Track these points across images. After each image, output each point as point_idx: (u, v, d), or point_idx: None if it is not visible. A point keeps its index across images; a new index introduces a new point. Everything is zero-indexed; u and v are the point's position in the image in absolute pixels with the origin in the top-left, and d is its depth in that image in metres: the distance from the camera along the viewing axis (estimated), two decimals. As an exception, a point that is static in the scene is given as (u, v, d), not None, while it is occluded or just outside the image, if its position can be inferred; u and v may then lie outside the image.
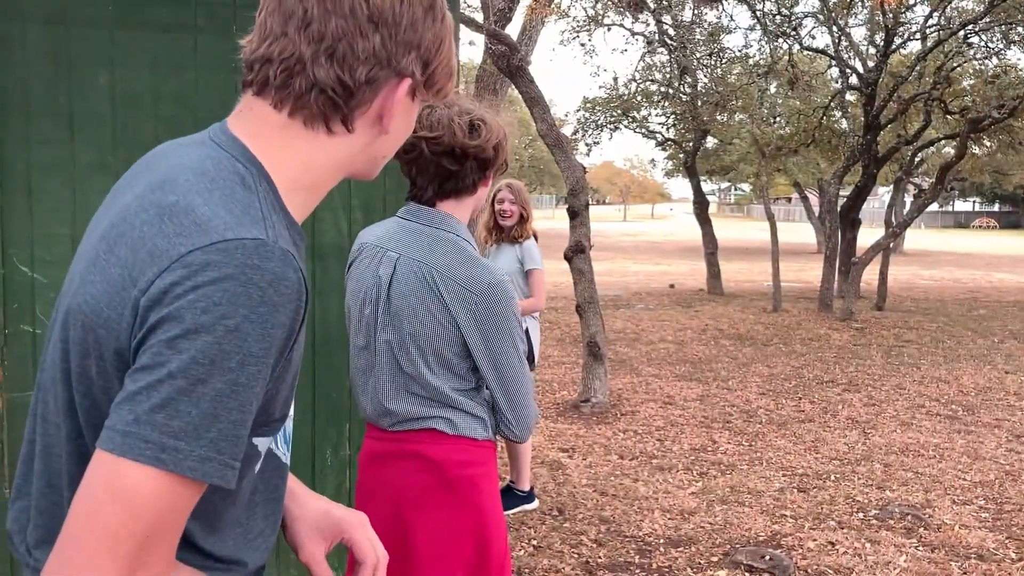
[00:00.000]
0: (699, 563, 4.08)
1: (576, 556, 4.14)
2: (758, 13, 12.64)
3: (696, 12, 14.88)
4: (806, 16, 15.31)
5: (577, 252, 7.21)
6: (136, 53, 2.59)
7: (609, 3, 15.43)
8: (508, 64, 7.34)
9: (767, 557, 4.08)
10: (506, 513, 4.74)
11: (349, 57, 0.96)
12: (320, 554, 1.19)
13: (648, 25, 15.19)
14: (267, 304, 0.86)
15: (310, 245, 2.83)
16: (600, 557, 4.14)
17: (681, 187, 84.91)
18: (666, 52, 13.85)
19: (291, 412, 1.07)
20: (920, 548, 4.30)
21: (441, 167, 1.99)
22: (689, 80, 16.11)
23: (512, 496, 4.51)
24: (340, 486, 2.92)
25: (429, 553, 1.99)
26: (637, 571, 4.00)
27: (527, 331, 4.87)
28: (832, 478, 5.42)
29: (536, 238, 4.93)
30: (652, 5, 11.13)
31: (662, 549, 4.24)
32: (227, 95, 2.67)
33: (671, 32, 15.41)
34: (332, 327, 2.84)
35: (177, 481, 0.83)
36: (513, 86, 8.62)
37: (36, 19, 2.50)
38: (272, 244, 0.89)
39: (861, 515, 4.76)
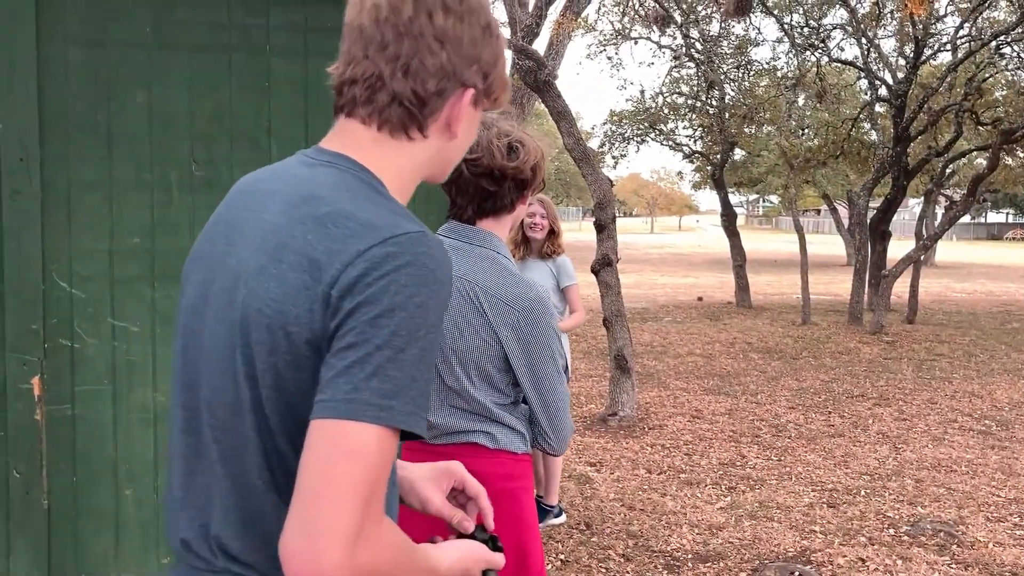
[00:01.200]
0: (728, 579, 4.06)
1: (604, 571, 4.14)
2: (785, 26, 12.61)
3: (723, 25, 14.88)
4: (835, 28, 15.27)
5: (604, 265, 7.22)
6: (172, 73, 2.65)
7: (636, 17, 15.48)
8: (535, 79, 7.39)
9: (796, 573, 4.05)
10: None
11: (421, 71, 1.12)
12: (444, 501, 1.33)
13: (675, 39, 15.21)
14: (439, 283, 1.04)
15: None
16: (628, 572, 4.13)
17: (708, 199, 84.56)
18: (693, 65, 13.83)
19: None
20: (953, 565, 4.25)
21: (480, 187, 2.03)
22: (717, 93, 16.09)
23: (540, 510, 4.52)
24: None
25: None
26: (665, 586, 3.99)
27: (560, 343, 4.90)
28: (862, 493, 5.37)
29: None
30: (679, 20, 11.15)
31: (690, 564, 4.23)
32: (260, 114, 2.73)
33: (698, 45, 15.41)
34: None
35: (390, 433, 0.99)
36: (539, 100, 8.67)
37: (78, 41, 2.57)
38: (428, 234, 1.06)
39: (892, 531, 4.71)
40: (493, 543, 1.29)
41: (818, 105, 15.60)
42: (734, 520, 4.86)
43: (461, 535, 1.29)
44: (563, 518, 4.79)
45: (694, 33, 14.80)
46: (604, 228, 7.29)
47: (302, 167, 1.15)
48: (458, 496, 1.38)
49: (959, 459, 6.19)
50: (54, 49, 2.54)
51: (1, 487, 2.58)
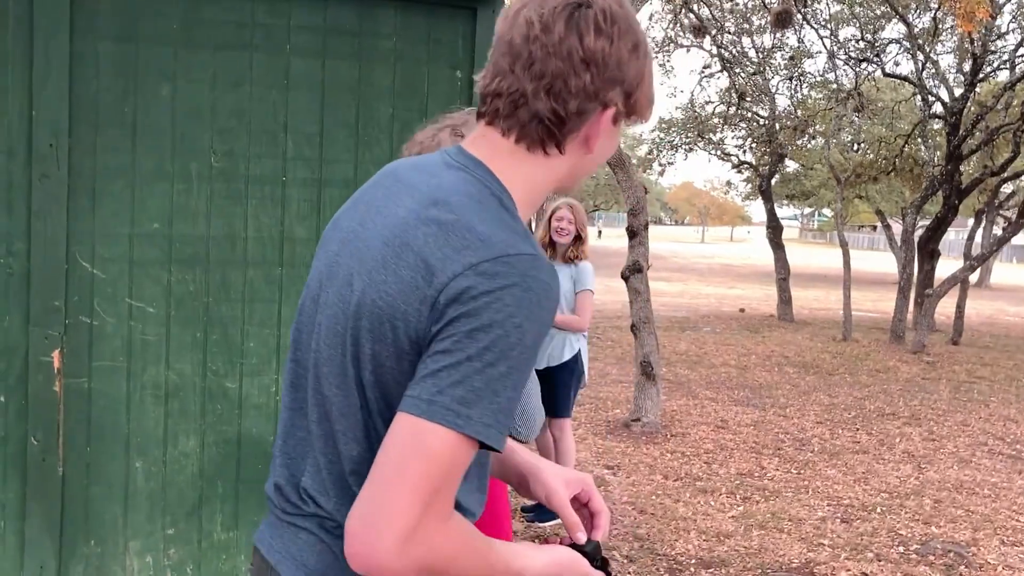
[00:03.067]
0: (727, 585, 4.10)
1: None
2: (827, 40, 12.48)
3: (776, 36, 14.78)
4: (890, 43, 15.07)
5: (634, 271, 7.26)
6: (197, 69, 2.79)
7: (683, 26, 15.45)
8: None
9: (796, 584, 4.08)
10: (544, 524, 4.82)
11: (564, 92, 1.14)
12: (568, 500, 1.34)
13: (723, 48, 15.14)
14: (541, 307, 1.08)
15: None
16: (630, 573, 4.19)
17: (761, 211, 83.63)
18: (730, 74, 13.75)
19: None
20: (959, 586, 4.24)
21: None
22: (760, 102, 15.97)
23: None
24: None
25: None
26: (664, 589, 4.04)
27: (579, 351, 4.96)
28: (878, 510, 5.35)
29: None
30: (713, 31, 11.13)
31: (692, 569, 4.27)
32: (277, 110, 2.86)
33: (751, 55, 15.32)
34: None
35: (464, 441, 1.04)
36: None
37: (109, 36, 2.72)
38: (541, 258, 1.10)
39: (902, 549, 4.69)
40: (602, 566, 1.28)
41: (870, 119, 15.40)
42: (743, 529, 4.88)
43: (572, 545, 1.29)
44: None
45: (744, 42, 14.73)
46: (636, 234, 7.33)
47: (442, 167, 1.19)
48: (580, 510, 1.37)
49: (983, 482, 6.11)
50: (86, 43, 2.70)
51: (19, 454, 2.74)
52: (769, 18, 8.29)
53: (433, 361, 1.05)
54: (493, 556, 1.13)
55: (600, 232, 55.06)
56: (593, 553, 1.27)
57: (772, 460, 6.44)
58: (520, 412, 2.13)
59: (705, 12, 13.69)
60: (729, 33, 12.63)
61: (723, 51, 12.28)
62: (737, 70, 12.21)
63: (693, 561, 4.37)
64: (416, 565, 1.03)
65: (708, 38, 11.37)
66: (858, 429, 7.62)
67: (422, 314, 1.07)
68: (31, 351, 2.72)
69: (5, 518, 2.73)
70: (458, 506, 1.16)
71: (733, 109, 16.32)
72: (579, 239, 5.01)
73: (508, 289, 1.05)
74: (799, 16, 8.71)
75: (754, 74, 14.77)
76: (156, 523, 2.88)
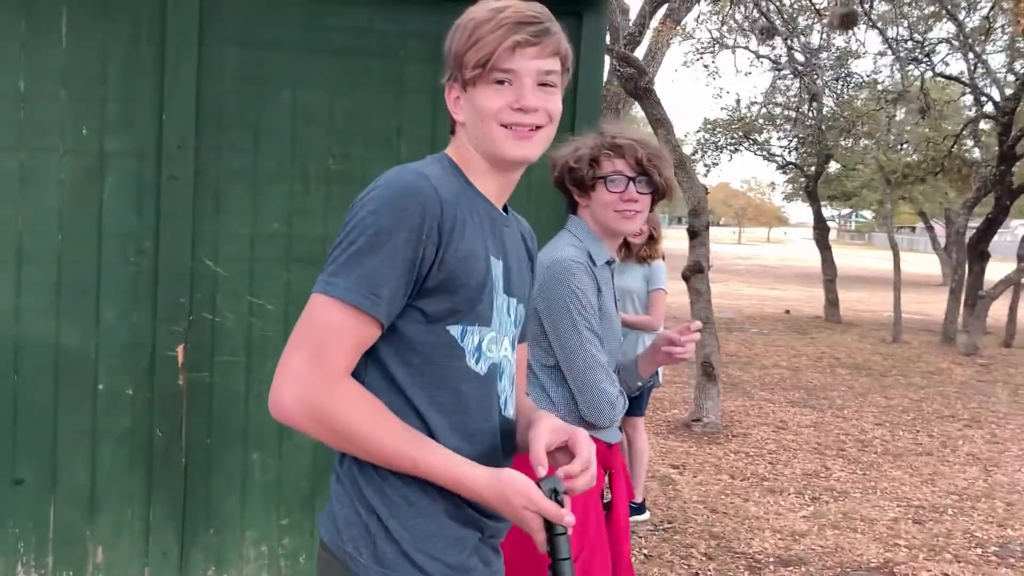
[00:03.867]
0: (810, 584, 4.13)
1: (686, 567, 4.25)
2: (890, 40, 12.39)
3: (824, 36, 14.69)
4: (940, 42, 14.91)
5: (695, 272, 7.29)
6: (316, 74, 2.88)
7: (734, 25, 15.39)
8: (635, 86, 7.50)
9: (880, 583, 4.09)
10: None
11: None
12: (543, 441, 1.38)
13: (774, 48, 15.07)
14: (399, 197, 1.31)
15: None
16: (710, 570, 4.23)
17: (799, 211, 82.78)
18: (793, 76, 13.69)
19: (490, 330, 1.43)
20: (1041, 588, 4.23)
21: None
22: (815, 104, 15.87)
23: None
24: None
25: None
26: (747, 586, 4.08)
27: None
28: (949, 512, 5.34)
29: (663, 259, 5.05)
30: (784, 32, 11.08)
31: (772, 567, 4.30)
32: (391, 115, 2.94)
33: (799, 56, 15.24)
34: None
35: (334, 302, 1.29)
36: (633, 106, 8.76)
37: (234, 43, 2.82)
38: (409, 168, 1.36)
39: (979, 550, 4.69)
40: (554, 495, 1.31)
41: (920, 121, 15.25)
42: (816, 528, 4.90)
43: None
44: (647, 515, 4.90)
45: (795, 44, 14.65)
46: (697, 235, 7.36)
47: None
48: (561, 458, 1.42)
49: (1053, 486, 6.08)
50: (213, 50, 2.80)
51: (145, 444, 2.85)
52: (831, 19, 8.27)
53: (329, 251, 1.35)
54: (392, 439, 1.31)
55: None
56: (550, 488, 1.31)
57: (836, 461, 6.43)
58: (589, 399, 2.15)
59: (768, 10, 13.65)
60: (799, 35, 12.53)
61: (794, 52, 12.23)
62: (813, 70, 12.15)
63: (771, 559, 4.41)
64: (309, 414, 1.28)
65: (778, 39, 11.32)
66: (918, 431, 7.58)
67: None
68: (157, 346, 2.82)
69: (132, 506, 2.84)
70: (418, 415, 1.36)
71: (780, 110, 16.22)
72: (652, 239, 5.04)
73: (373, 191, 1.34)
74: (863, 16, 8.68)
75: (795, 75, 14.69)
76: (271, 513, 2.97)
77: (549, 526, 1.30)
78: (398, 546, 1.35)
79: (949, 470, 6.34)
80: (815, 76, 12.31)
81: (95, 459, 2.79)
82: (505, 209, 1.53)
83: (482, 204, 1.44)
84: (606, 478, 2.38)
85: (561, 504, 1.30)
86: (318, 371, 1.28)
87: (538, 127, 1.41)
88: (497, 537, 1.49)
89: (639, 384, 2.36)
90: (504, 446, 1.48)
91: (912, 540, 4.79)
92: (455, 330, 1.38)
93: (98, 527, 2.80)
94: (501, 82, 1.39)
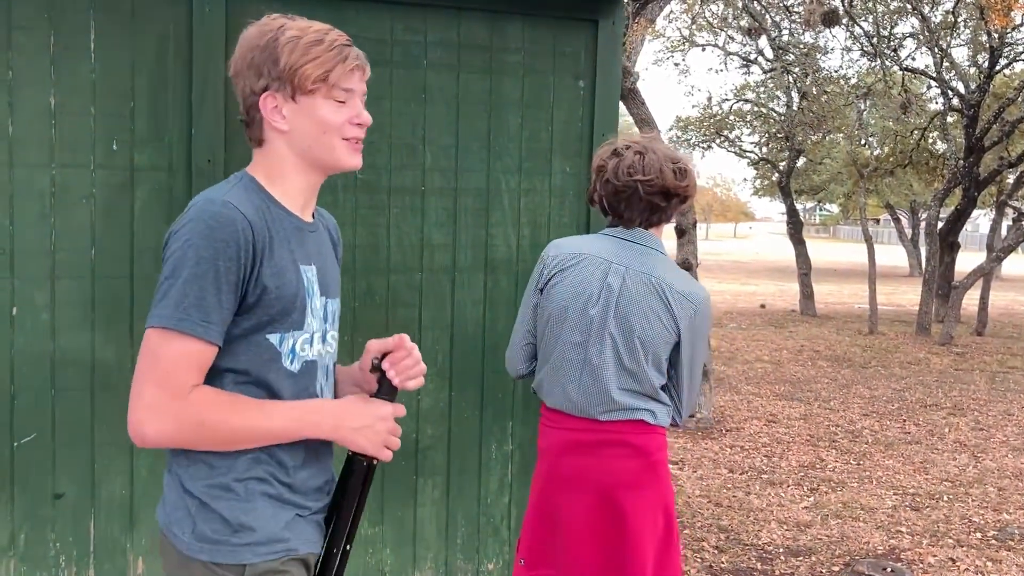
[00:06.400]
0: (820, 572, 4.22)
1: (699, 560, 4.33)
2: (857, 35, 12.61)
3: (792, 33, 14.90)
4: (906, 37, 15.18)
5: (684, 269, 7.38)
6: (341, 85, 2.91)
7: (703, 23, 15.56)
8: (621, 87, 7.58)
9: (888, 569, 4.20)
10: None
11: (241, 105, 1.61)
12: (373, 346, 1.69)
13: (745, 46, 15.26)
14: (211, 228, 1.43)
15: (483, 260, 3.11)
16: (723, 562, 4.32)
17: (764, 206, 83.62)
18: (776, 73, 13.87)
19: (303, 332, 1.58)
20: (1041, 569, 4.36)
21: (652, 203, 2.30)
22: (784, 100, 16.09)
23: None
24: (503, 478, 3.19)
25: (637, 527, 2.26)
26: (761, 577, 4.17)
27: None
28: (945, 498, 5.48)
29: None
30: (772, 32, 11.26)
31: (783, 558, 4.40)
32: (416, 124, 2.99)
33: (767, 53, 15.44)
34: (499, 336, 3.11)
35: (164, 332, 1.43)
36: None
37: (260, 55, 2.84)
38: (217, 200, 1.47)
39: (979, 535, 4.82)
40: (380, 371, 1.63)
41: (889, 115, 15.51)
42: (820, 519, 5.01)
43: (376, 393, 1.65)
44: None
45: (763, 41, 14.83)
46: (685, 233, 7.46)
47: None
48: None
49: (1040, 469, 6.24)
50: (241, 63, 2.82)
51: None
52: (809, 17, 8.42)
53: (156, 289, 1.47)
54: (239, 420, 1.48)
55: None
56: (377, 365, 1.64)
57: (830, 452, 6.56)
58: (691, 403, 2.36)
59: (722, 10, 13.84)
60: (767, 32, 12.70)
61: (779, 50, 12.39)
62: (782, 69, 12.33)
63: (781, 550, 4.50)
64: (177, 430, 1.44)
65: (764, 37, 11.48)
66: (905, 420, 7.75)
67: None
68: (191, 358, 2.84)
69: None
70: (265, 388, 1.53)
71: (764, 108, 16.41)
72: None
73: (186, 225, 1.45)
74: (844, 14, 8.84)
75: (784, 72, 14.89)
76: (307, 520, 2.99)
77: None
78: (216, 524, 1.51)
79: (939, 458, 6.49)
80: (785, 71, 12.49)
81: (133, 472, 2.80)
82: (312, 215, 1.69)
83: (286, 218, 1.58)
84: None
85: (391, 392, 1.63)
86: (171, 393, 1.43)
87: (361, 139, 1.63)
88: (319, 514, 1.64)
89: None
90: None
91: (913, 527, 4.91)
92: (274, 338, 1.54)
93: (138, 539, 2.81)
94: (341, 100, 1.57)
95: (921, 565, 4.33)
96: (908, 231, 28.87)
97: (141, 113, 2.78)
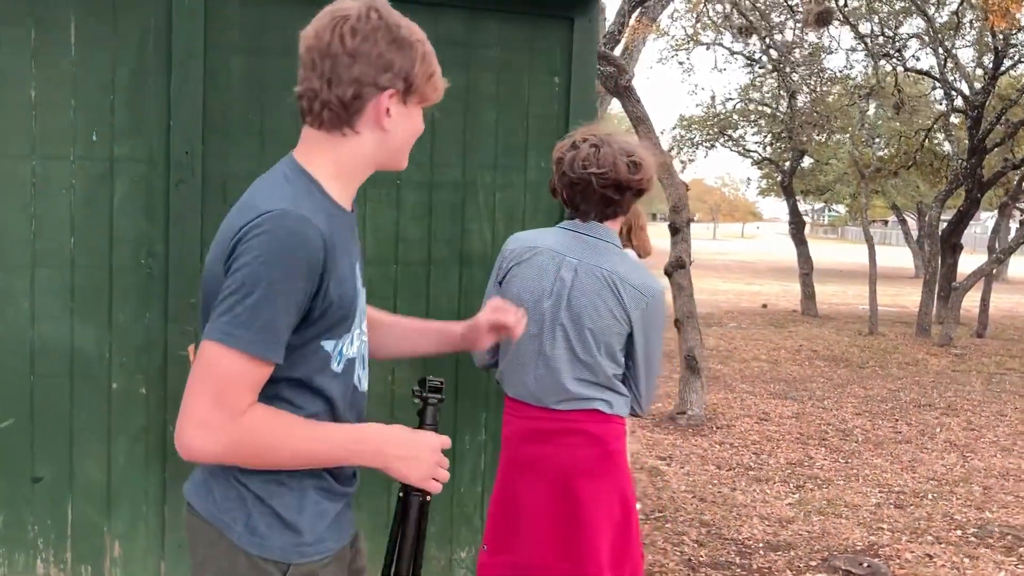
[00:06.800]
0: (798, 566, 4.26)
1: (679, 554, 4.37)
2: (866, 38, 12.61)
3: (796, 33, 14.90)
4: (911, 37, 15.17)
5: (677, 267, 7.43)
6: (318, 80, 2.97)
7: (708, 22, 15.57)
8: (616, 84, 7.62)
9: (865, 564, 4.24)
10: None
11: (339, 82, 1.48)
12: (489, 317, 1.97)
13: (748, 45, 15.27)
14: (284, 247, 1.39)
15: (459, 253, 3.16)
16: (702, 556, 4.36)
17: (772, 207, 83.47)
18: (767, 72, 13.90)
19: (356, 350, 1.60)
20: (1020, 566, 4.39)
21: (605, 196, 2.33)
22: (788, 100, 16.08)
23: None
24: (476, 467, 3.24)
25: (593, 515, 2.32)
26: (738, 570, 4.21)
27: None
28: (929, 497, 5.51)
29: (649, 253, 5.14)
30: (763, 32, 11.27)
31: (761, 552, 4.44)
32: (393, 117, 3.03)
33: (772, 52, 15.43)
34: (474, 326, 3.16)
35: (232, 352, 1.39)
36: (612, 103, 8.87)
37: (238, 51, 2.89)
38: (291, 212, 1.41)
39: (959, 532, 4.85)
40: (423, 400, 1.65)
41: (895, 116, 15.50)
42: (803, 515, 5.04)
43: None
44: (638, 506, 5.02)
45: (776, 40, 14.84)
46: (678, 231, 7.50)
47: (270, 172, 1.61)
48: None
49: (1027, 469, 6.27)
50: (219, 58, 2.87)
51: (159, 441, 2.92)
52: (807, 17, 8.44)
53: (220, 298, 1.41)
54: (288, 448, 1.46)
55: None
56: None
57: (819, 450, 6.60)
58: (650, 394, 2.40)
59: (744, 7, 13.83)
60: (778, 34, 12.71)
61: (772, 50, 12.42)
62: (786, 67, 12.35)
63: (761, 545, 4.54)
64: (217, 451, 1.41)
65: (756, 37, 11.50)
66: (897, 420, 7.77)
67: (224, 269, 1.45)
68: (169, 346, 2.90)
69: (147, 502, 2.92)
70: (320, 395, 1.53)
71: (754, 106, 16.42)
72: (630, 229, 5.14)
73: (260, 237, 1.39)
74: (839, 14, 8.85)
75: (773, 70, 14.89)
76: (282, 507, 3.05)
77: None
78: (271, 518, 1.52)
79: (928, 457, 6.52)
80: (791, 71, 12.50)
81: (111, 456, 2.86)
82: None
83: (342, 218, 1.56)
84: None
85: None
86: (226, 412, 1.40)
87: None
88: (352, 497, 1.68)
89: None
90: (361, 420, 1.68)
91: (895, 524, 4.95)
92: (328, 344, 1.53)
93: (115, 522, 2.87)
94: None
95: (898, 561, 4.36)
96: (915, 233, 28.81)
97: (121, 106, 2.83)
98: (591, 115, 3.26)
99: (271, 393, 1.49)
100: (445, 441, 1.60)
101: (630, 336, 2.36)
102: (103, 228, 2.84)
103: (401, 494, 1.63)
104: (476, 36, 3.12)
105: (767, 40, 11.67)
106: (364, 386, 1.70)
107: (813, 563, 4.31)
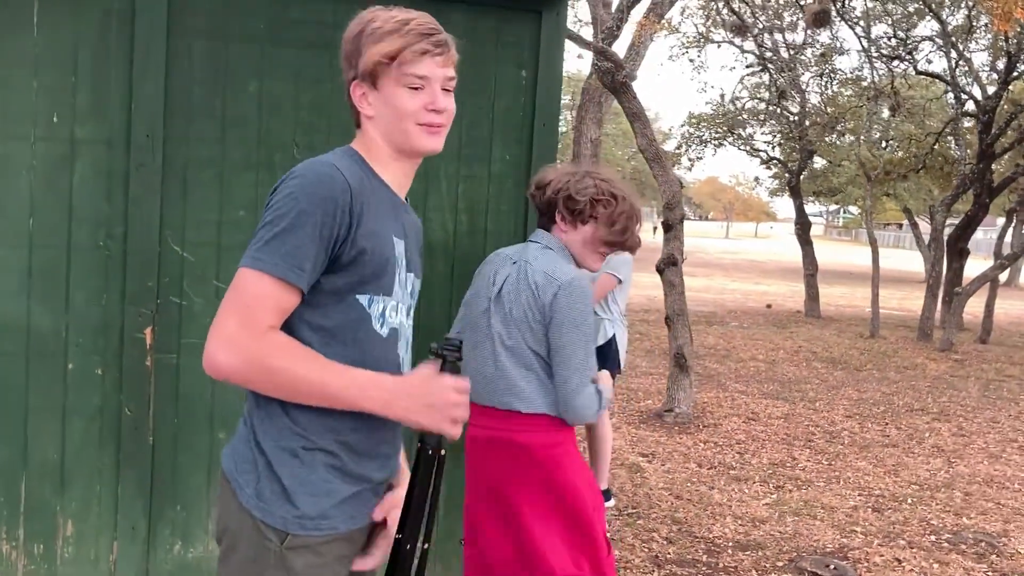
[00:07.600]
0: (764, 567, 4.25)
1: (647, 551, 4.37)
2: (864, 40, 12.52)
3: (808, 33, 14.81)
4: (923, 39, 15.05)
5: (669, 264, 7.41)
6: (281, 66, 2.98)
7: (718, 20, 15.49)
8: (612, 80, 7.60)
9: (831, 566, 4.23)
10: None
11: (345, 88, 1.72)
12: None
13: (760, 44, 15.18)
14: (314, 184, 1.55)
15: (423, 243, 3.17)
16: (669, 553, 4.36)
17: (786, 207, 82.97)
18: (771, 72, 13.83)
19: (391, 299, 1.66)
20: (990, 573, 4.37)
21: (540, 209, 2.63)
22: (797, 100, 16.00)
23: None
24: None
25: (529, 520, 2.51)
26: (703, 568, 4.20)
27: (613, 336, 5.11)
28: (909, 501, 5.48)
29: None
30: (755, 31, 11.20)
31: (730, 551, 4.43)
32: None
33: (782, 52, 15.35)
34: (435, 318, 3.16)
35: (259, 275, 1.51)
36: (614, 99, 8.83)
37: (201, 35, 2.91)
38: (320, 160, 1.59)
39: (933, 537, 4.83)
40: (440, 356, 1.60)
41: (902, 117, 15.40)
42: (777, 515, 5.03)
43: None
44: (612, 502, 5.02)
45: (778, 39, 14.76)
46: (671, 228, 7.48)
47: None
48: None
49: (1014, 477, 6.22)
50: (181, 42, 2.88)
51: (114, 423, 2.94)
52: (806, 17, 8.38)
53: (255, 232, 1.56)
54: (304, 371, 1.52)
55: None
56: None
57: (803, 451, 6.58)
58: (569, 401, 2.41)
59: (742, 10, 13.76)
60: (768, 33, 12.66)
61: (764, 49, 12.35)
62: (793, 67, 12.29)
63: (730, 544, 4.54)
64: (245, 365, 1.48)
65: (750, 37, 11.45)
66: (887, 423, 7.73)
67: None
68: (126, 328, 2.92)
69: (101, 482, 2.94)
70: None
71: (764, 105, 16.35)
72: None
73: (291, 179, 1.57)
74: (836, 15, 8.79)
75: (787, 71, 14.81)
76: (237, 491, 3.07)
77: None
78: (276, 486, 1.57)
79: (913, 461, 6.49)
80: (790, 71, 12.42)
81: (65, 436, 2.88)
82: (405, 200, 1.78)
83: (385, 191, 1.68)
84: None
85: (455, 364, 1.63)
86: (249, 330, 1.49)
87: (443, 124, 1.67)
88: (382, 484, 1.71)
89: None
90: None
91: (869, 527, 4.93)
92: (363, 299, 1.62)
93: (68, 502, 2.90)
94: (415, 87, 1.65)
95: (866, 564, 4.35)
96: (927, 237, 28.59)
97: (83, 87, 2.85)
98: (556, 109, 3.26)
99: (306, 342, 1.56)
100: (461, 384, 1.59)
101: (548, 328, 2.43)
102: (63, 209, 2.86)
103: (419, 443, 1.63)
104: (443, 27, 3.11)
105: (761, 38, 11.59)
106: (406, 369, 1.74)
107: (780, 564, 4.30)
